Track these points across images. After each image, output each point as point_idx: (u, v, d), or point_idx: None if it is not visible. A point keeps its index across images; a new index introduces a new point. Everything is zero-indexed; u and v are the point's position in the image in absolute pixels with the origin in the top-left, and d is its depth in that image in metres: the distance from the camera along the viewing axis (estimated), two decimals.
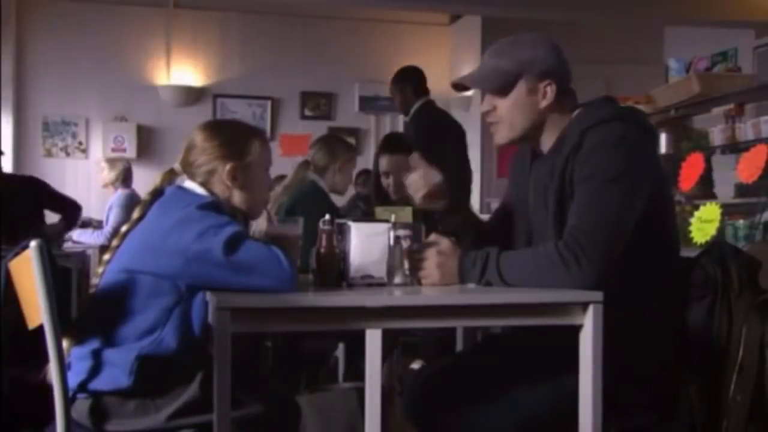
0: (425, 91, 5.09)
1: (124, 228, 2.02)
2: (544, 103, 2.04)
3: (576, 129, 1.99)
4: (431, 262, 1.99)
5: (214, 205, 1.96)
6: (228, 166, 2.03)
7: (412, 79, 5.08)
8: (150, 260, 1.88)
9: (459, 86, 2.17)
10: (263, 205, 2.15)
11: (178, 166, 2.09)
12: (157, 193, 2.06)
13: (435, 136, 4.68)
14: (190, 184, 2.06)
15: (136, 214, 2.03)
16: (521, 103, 2.05)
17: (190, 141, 2.09)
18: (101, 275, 1.99)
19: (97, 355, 1.89)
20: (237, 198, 2.07)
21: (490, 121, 2.10)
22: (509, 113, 2.06)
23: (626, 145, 1.93)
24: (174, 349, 1.89)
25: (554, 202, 1.99)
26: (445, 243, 2.02)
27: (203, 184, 2.05)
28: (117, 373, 1.87)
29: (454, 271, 1.98)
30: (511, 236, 2.17)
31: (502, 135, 2.09)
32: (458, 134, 5.01)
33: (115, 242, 2.02)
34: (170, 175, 2.09)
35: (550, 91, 2.04)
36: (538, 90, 2.04)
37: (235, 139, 2.08)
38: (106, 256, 2.00)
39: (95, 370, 1.88)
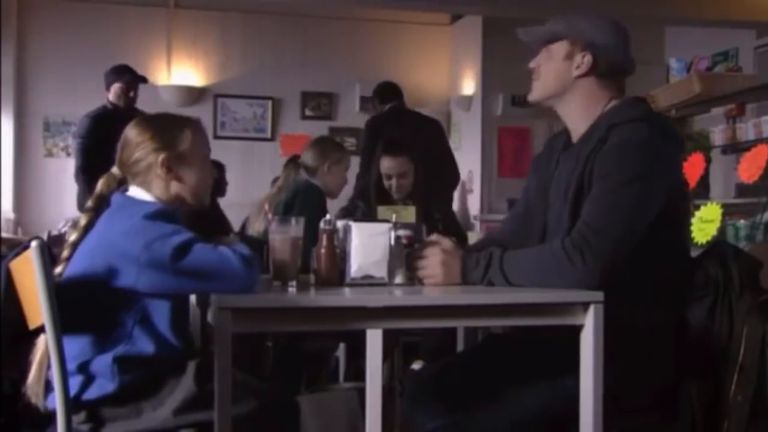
0: (388, 99, 5.98)
1: (72, 238, 1.99)
2: (576, 72, 2.06)
3: (606, 122, 2.00)
4: (434, 261, 1.99)
5: (161, 214, 1.94)
6: (161, 157, 2.00)
7: (377, 93, 6.14)
8: (104, 272, 1.86)
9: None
10: (207, 194, 2.11)
11: (116, 169, 2.05)
12: (100, 200, 2.02)
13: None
14: (134, 191, 2.02)
15: (83, 222, 2.00)
16: (557, 65, 2.08)
17: (124, 139, 2.05)
18: (57, 284, 1.90)
19: (81, 369, 1.89)
20: (177, 190, 2.02)
21: (533, 78, 2.14)
22: (546, 73, 2.10)
23: (649, 148, 1.93)
24: (150, 351, 1.88)
25: (572, 195, 1.98)
26: (447, 242, 2.02)
27: (144, 185, 2.01)
28: (102, 381, 1.87)
29: (457, 271, 1.98)
30: (525, 240, 2.13)
31: (534, 93, 2.15)
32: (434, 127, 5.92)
33: (65, 253, 1.97)
34: (110, 180, 2.05)
35: (585, 63, 2.05)
36: (574, 58, 2.06)
37: (166, 129, 2.04)
38: (59, 269, 1.95)
39: (84, 384, 1.88)
